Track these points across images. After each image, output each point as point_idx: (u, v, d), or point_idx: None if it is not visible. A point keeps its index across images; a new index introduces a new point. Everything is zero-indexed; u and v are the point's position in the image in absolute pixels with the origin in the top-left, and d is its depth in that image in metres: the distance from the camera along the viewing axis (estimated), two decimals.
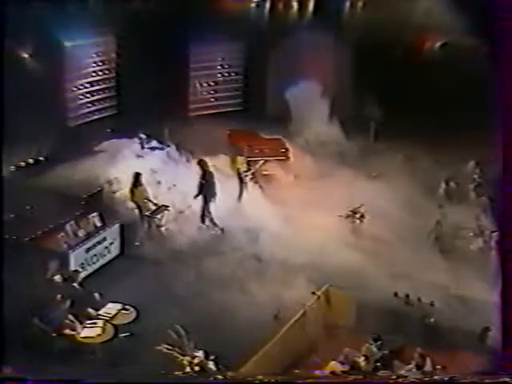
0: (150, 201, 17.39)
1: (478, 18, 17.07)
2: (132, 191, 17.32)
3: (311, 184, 19.58)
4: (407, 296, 15.22)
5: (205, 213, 17.93)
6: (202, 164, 18.15)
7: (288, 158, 20.96)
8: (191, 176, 18.64)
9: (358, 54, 21.88)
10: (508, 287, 12.32)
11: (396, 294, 15.34)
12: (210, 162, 19.08)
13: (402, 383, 12.25)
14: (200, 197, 17.90)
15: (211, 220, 17.97)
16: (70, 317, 13.95)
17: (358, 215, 18.28)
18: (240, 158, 19.56)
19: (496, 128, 12.91)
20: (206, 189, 17.92)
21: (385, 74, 20.96)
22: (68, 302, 14.13)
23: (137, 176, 17.37)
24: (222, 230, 17.72)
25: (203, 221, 17.96)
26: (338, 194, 18.67)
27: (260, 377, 11.99)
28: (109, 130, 20.50)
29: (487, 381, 11.62)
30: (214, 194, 18.01)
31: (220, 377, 12.63)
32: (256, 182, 19.59)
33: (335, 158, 20.81)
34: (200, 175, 17.96)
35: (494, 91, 13.03)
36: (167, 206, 17.53)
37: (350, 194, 18.65)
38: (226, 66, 23.13)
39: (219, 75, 23.12)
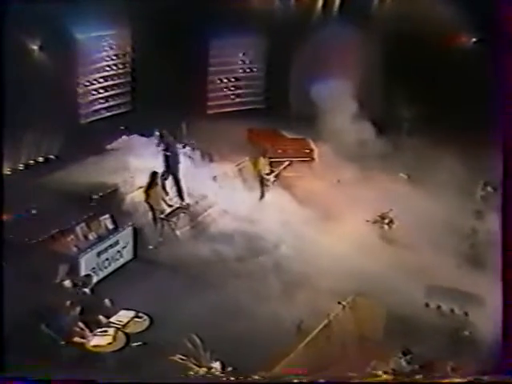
0: (165, 202, 17.49)
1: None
2: (147, 192, 17.43)
3: (337, 187, 19.59)
4: (439, 307, 15.13)
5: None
6: (163, 135, 18.40)
7: (313, 159, 21.02)
8: (210, 177, 18.83)
9: (387, 50, 21.81)
10: (508, 287, 12.93)
11: (427, 305, 15.25)
12: (228, 163, 19.32)
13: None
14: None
15: (178, 193, 18.22)
16: (80, 324, 14.08)
17: (386, 220, 18.25)
18: (262, 160, 19.63)
19: None
20: (170, 160, 18.24)
21: (416, 70, 20.89)
22: (78, 309, 14.27)
23: (153, 176, 17.48)
24: (188, 205, 17.84)
25: (166, 192, 18.15)
26: (366, 197, 18.65)
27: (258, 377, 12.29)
28: (122, 128, 20.58)
29: (487, 381, 12.11)
30: (177, 164, 18.25)
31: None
32: (279, 185, 19.66)
33: (363, 159, 20.75)
34: (163, 147, 18.34)
35: None
36: (184, 208, 17.62)
37: (378, 198, 18.63)
38: (248, 62, 23.21)
39: (240, 71, 23.21)
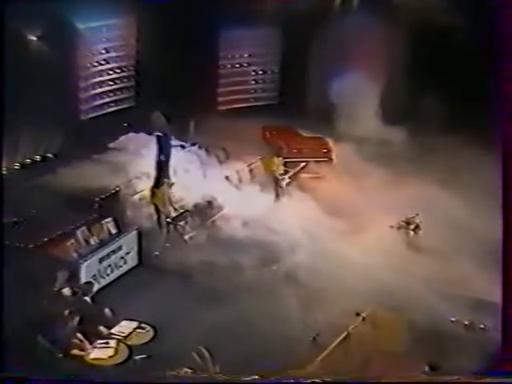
0: (171, 205, 17.56)
1: None
2: (153, 191, 17.50)
3: (358, 189, 19.57)
4: (468, 321, 15.08)
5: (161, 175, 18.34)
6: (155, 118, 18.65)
7: (331, 159, 21.04)
8: (220, 178, 18.90)
9: (412, 42, 21.81)
10: (508, 288, 13.44)
11: (455, 318, 15.19)
12: (240, 163, 19.37)
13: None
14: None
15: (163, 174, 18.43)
16: (79, 335, 14.09)
17: (412, 226, 18.21)
18: (276, 159, 19.67)
19: None
20: (162, 143, 18.45)
21: (443, 63, 20.87)
22: (77, 319, 14.31)
23: (159, 167, 17.56)
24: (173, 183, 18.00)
25: (158, 182, 18.32)
26: (390, 201, 18.61)
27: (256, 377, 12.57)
28: (126, 125, 20.72)
29: (487, 381, 12.59)
30: (169, 152, 18.53)
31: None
32: (294, 187, 19.70)
33: (386, 160, 20.73)
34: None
35: None
36: (192, 212, 17.71)
37: (403, 202, 18.58)
38: (261, 55, 23.34)
39: (253, 65, 23.33)
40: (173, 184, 18.00)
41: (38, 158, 19.27)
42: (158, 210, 17.63)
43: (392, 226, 18.24)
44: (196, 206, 18.26)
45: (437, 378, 13.30)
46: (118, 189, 18.34)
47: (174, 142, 18.95)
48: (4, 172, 17.59)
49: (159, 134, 18.44)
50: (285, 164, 19.94)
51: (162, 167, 18.44)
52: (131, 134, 20.33)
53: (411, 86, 22.10)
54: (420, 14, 21.20)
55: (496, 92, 19.61)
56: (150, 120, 19.11)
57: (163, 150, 18.45)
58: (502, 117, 16.52)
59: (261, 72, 23.46)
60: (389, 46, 22.38)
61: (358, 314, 14.84)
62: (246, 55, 23.30)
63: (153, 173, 18.25)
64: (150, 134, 20.04)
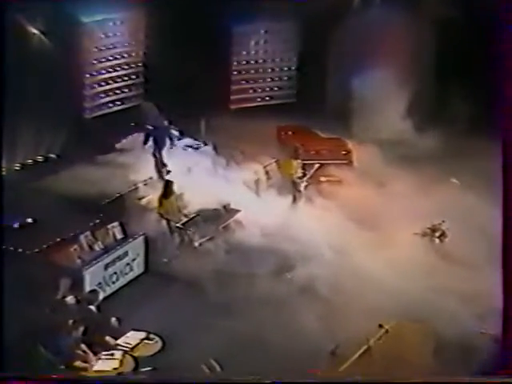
0: (180, 212, 17.63)
1: None
2: (160, 201, 17.59)
3: (380, 193, 19.58)
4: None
5: (159, 163, 18.75)
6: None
7: (350, 161, 21.06)
8: (232, 181, 18.95)
9: (440, 35, 21.78)
10: (508, 287, 13.85)
11: (483, 330, 15.15)
12: (254, 165, 19.41)
13: None
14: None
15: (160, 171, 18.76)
16: (83, 346, 14.15)
17: (437, 233, 18.18)
18: (293, 161, 19.70)
19: None
20: (154, 134, 18.87)
21: (475, 58, 20.79)
22: (81, 329, 14.37)
23: (167, 185, 17.65)
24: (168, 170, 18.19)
25: (160, 174, 18.70)
26: (414, 206, 18.59)
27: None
28: (133, 124, 20.78)
29: (487, 381, 13.00)
30: (163, 140, 19.01)
31: None
32: (312, 191, 19.72)
33: (411, 163, 20.70)
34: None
35: None
36: (203, 217, 17.77)
37: (428, 207, 18.56)
38: (277, 50, 23.40)
39: (268, 61, 23.41)
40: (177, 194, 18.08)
41: (39, 158, 19.37)
42: (165, 218, 17.68)
43: (416, 233, 18.22)
44: (206, 210, 18.29)
45: (437, 378, 13.51)
46: (124, 192, 18.39)
47: (168, 133, 19.57)
48: (4, 173, 17.65)
49: (150, 126, 18.89)
50: (303, 166, 19.92)
51: (155, 161, 18.84)
52: (139, 134, 20.32)
53: (437, 84, 22.10)
54: (446, 5, 21.19)
55: None
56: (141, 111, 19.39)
57: (156, 143, 18.88)
58: None
59: (277, 69, 23.55)
60: (413, 42, 22.37)
61: (380, 326, 14.82)
62: (261, 51, 23.32)
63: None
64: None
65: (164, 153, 19.15)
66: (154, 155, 18.88)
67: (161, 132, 19.11)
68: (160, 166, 18.87)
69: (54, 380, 12.43)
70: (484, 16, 20.28)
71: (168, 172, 18.80)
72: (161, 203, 17.65)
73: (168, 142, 19.91)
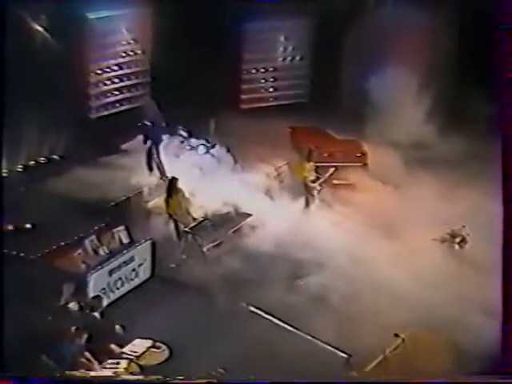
0: (189, 213, 17.66)
1: None
2: (167, 201, 17.59)
3: (397, 198, 19.57)
4: None
5: (152, 158, 19.00)
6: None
7: (365, 164, 21.05)
8: (243, 183, 18.98)
9: (462, 32, 21.75)
10: (508, 287, 14.14)
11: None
12: (266, 167, 19.43)
13: None
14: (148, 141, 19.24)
15: (158, 167, 19.03)
16: (87, 354, 14.19)
17: (457, 239, 18.16)
18: (306, 164, 19.71)
19: None
20: (151, 131, 19.09)
21: (499, 57, 20.72)
22: (84, 336, 14.39)
23: (172, 182, 17.66)
24: (169, 178, 18.25)
25: (150, 168, 19.07)
26: (433, 210, 18.57)
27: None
28: (140, 124, 20.82)
29: (487, 381, 13.37)
30: (160, 137, 19.30)
31: None
32: (326, 195, 19.73)
33: (428, 166, 20.71)
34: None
35: None
36: (212, 221, 17.80)
37: (447, 212, 18.54)
38: (289, 48, 23.42)
39: (280, 59, 23.45)
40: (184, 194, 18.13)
41: (42, 159, 19.47)
42: (175, 220, 17.71)
43: (435, 239, 18.19)
44: (216, 214, 18.34)
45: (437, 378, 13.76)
46: (130, 194, 18.46)
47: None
48: (5, 174, 17.75)
49: (148, 123, 19.26)
50: (316, 169, 19.91)
51: (150, 159, 19.15)
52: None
53: (458, 83, 22.03)
54: (466, 2, 21.17)
55: None
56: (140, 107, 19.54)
57: (153, 141, 19.20)
58: None
59: (289, 68, 23.59)
60: (432, 41, 22.35)
61: (396, 335, 14.82)
62: (272, 49, 23.42)
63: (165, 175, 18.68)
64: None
65: (161, 151, 19.52)
66: (149, 153, 19.09)
67: (158, 130, 19.29)
68: (156, 164, 19.27)
69: (54, 380, 12.48)
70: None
71: (163, 175, 19.12)
72: (168, 204, 17.60)
73: (175, 143, 20.08)
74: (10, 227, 16.06)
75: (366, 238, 18.21)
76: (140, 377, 13.97)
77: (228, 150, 20.27)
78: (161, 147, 19.57)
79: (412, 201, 19.13)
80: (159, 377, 13.82)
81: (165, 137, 20.13)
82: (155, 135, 19.32)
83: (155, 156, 19.24)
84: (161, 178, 19.02)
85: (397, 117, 22.18)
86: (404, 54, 22.30)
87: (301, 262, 17.56)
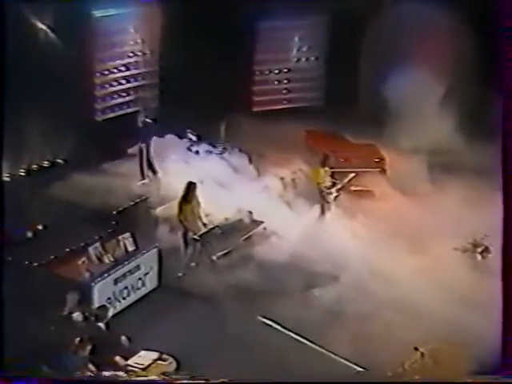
0: (200, 219, 17.70)
1: None
2: (181, 205, 17.65)
3: (417, 205, 19.56)
4: None
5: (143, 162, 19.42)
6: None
7: (384, 170, 21.08)
8: (255, 190, 19.07)
9: (482, 32, 21.73)
10: (508, 286, 14.45)
11: None
12: (279, 172, 19.50)
13: None
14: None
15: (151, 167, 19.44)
16: (90, 366, 14.27)
17: (479, 249, 18.15)
18: (322, 170, 19.73)
19: None
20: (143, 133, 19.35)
21: None
22: (88, 348, 14.46)
23: (190, 187, 17.70)
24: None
25: (143, 175, 19.57)
26: (455, 218, 18.56)
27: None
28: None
29: (487, 381, 13.78)
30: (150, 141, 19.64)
31: None
32: (342, 202, 19.75)
33: (450, 172, 20.70)
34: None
35: None
36: (222, 228, 17.87)
37: (469, 220, 18.51)
38: (304, 48, 23.47)
39: (294, 59, 23.50)
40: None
41: (45, 163, 19.58)
42: (184, 226, 17.76)
43: (456, 249, 18.19)
44: (227, 221, 18.41)
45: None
46: (137, 200, 18.59)
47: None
48: (6, 179, 17.87)
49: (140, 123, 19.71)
50: (332, 175, 19.92)
51: (142, 158, 19.50)
52: (154, 139, 20.48)
53: (483, 85, 21.98)
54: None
55: None
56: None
57: (144, 139, 19.53)
58: None
59: (304, 68, 23.58)
60: (456, 37, 22.29)
61: (416, 349, 14.83)
62: (286, 49, 23.43)
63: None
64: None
65: (152, 152, 19.93)
66: (140, 154, 19.49)
67: (149, 130, 19.68)
68: (146, 165, 19.64)
69: (54, 380, 12.60)
70: None
71: (155, 173, 19.64)
72: (181, 208, 17.60)
73: (185, 146, 20.21)
74: (12, 233, 16.06)
75: (385, 248, 18.19)
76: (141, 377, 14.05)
77: (239, 155, 20.32)
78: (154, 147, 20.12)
79: (434, 209, 19.10)
80: (160, 377, 13.93)
81: (172, 140, 20.25)
82: (146, 135, 19.60)
83: (145, 158, 19.68)
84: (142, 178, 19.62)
85: (418, 121, 22.12)
86: (425, 54, 22.21)
87: (316, 273, 17.60)
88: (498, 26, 20.28)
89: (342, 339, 15.35)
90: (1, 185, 16.57)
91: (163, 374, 14.31)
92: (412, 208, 19.50)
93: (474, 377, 13.82)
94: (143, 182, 19.72)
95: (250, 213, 18.74)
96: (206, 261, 17.62)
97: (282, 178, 20.08)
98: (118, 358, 14.70)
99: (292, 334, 15.60)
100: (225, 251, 17.84)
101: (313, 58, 23.51)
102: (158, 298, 16.66)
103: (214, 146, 20.74)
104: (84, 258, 16.18)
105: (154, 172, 19.86)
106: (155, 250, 16.92)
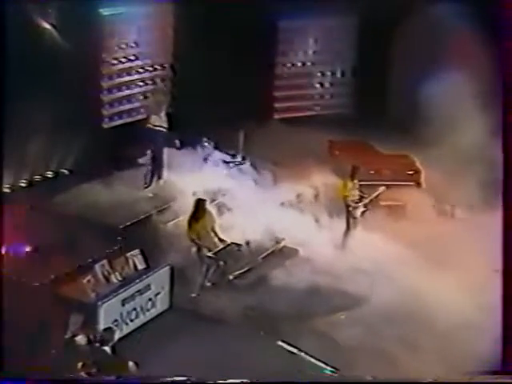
0: (216, 234, 17.71)
1: None
2: (190, 223, 17.67)
3: (455, 222, 19.58)
4: None
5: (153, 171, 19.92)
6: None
7: (419, 183, 21.06)
8: (275, 203, 19.12)
9: None
10: (508, 286, 14.89)
11: None
12: (302, 185, 19.55)
13: None
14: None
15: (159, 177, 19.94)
16: None
17: None
18: (349, 183, 19.77)
19: None
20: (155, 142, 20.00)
21: None
22: (93, 373, 14.52)
23: (198, 204, 17.75)
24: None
25: (148, 182, 19.99)
26: (495, 238, 18.49)
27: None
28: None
29: (487, 381, 14.04)
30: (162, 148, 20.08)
31: None
32: (371, 218, 19.75)
33: (489, 185, 20.53)
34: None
35: None
36: (239, 245, 17.89)
37: None
38: (330, 51, 23.60)
39: (319, 63, 23.60)
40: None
41: (49, 174, 19.71)
42: (197, 244, 17.77)
43: (497, 270, 18.11)
44: (244, 237, 18.44)
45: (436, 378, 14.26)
46: (147, 214, 18.66)
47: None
48: (7, 190, 18.02)
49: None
50: (360, 189, 19.93)
51: (152, 168, 19.78)
52: (167, 148, 20.56)
53: None
54: None
55: None
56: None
57: (155, 146, 19.72)
58: None
59: (328, 73, 23.73)
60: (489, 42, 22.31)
61: None
62: (310, 52, 23.55)
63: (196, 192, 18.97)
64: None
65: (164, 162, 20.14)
66: (152, 163, 19.88)
67: (159, 135, 19.76)
68: (156, 175, 19.93)
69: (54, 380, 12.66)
70: None
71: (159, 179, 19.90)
72: (191, 226, 17.62)
73: (200, 156, 20.30)
74: (12, 249, 16.18)
75: (417, 267, 18.17)
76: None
77: (258, 165, 20.44)
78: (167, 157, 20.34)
79: (471, 226, 19.05)
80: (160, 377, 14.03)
81: (186, 149, 20.36)
82: (158, 141, 19.89)
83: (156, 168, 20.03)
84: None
85: (453, 129, 22.11)
86: (460, 58, 22.26)
87: (340, 294, 17.58)
88: None
89: (369, 367, 15.32)
90: (1, 196, 16.69)
91: None
92: (448, 226, 19.52)
93: (475, 377, 13.99)
94: (147, 188, 19.82)
95: (270, 229, 18.76)
96: (221, 280, 17.64)
97: (304, 191, 20.08)
98: None
99: (314, 360, 15.56)
100: (242, 270, 17.89)
101: (339, 62, 23.53)
102: (169, 320, 16.65)
103: (233, 156, 20.77)
104: (89, 277, 16.16)
105: (160, 178, 20.15)
106: (167, 268, 16.96)
